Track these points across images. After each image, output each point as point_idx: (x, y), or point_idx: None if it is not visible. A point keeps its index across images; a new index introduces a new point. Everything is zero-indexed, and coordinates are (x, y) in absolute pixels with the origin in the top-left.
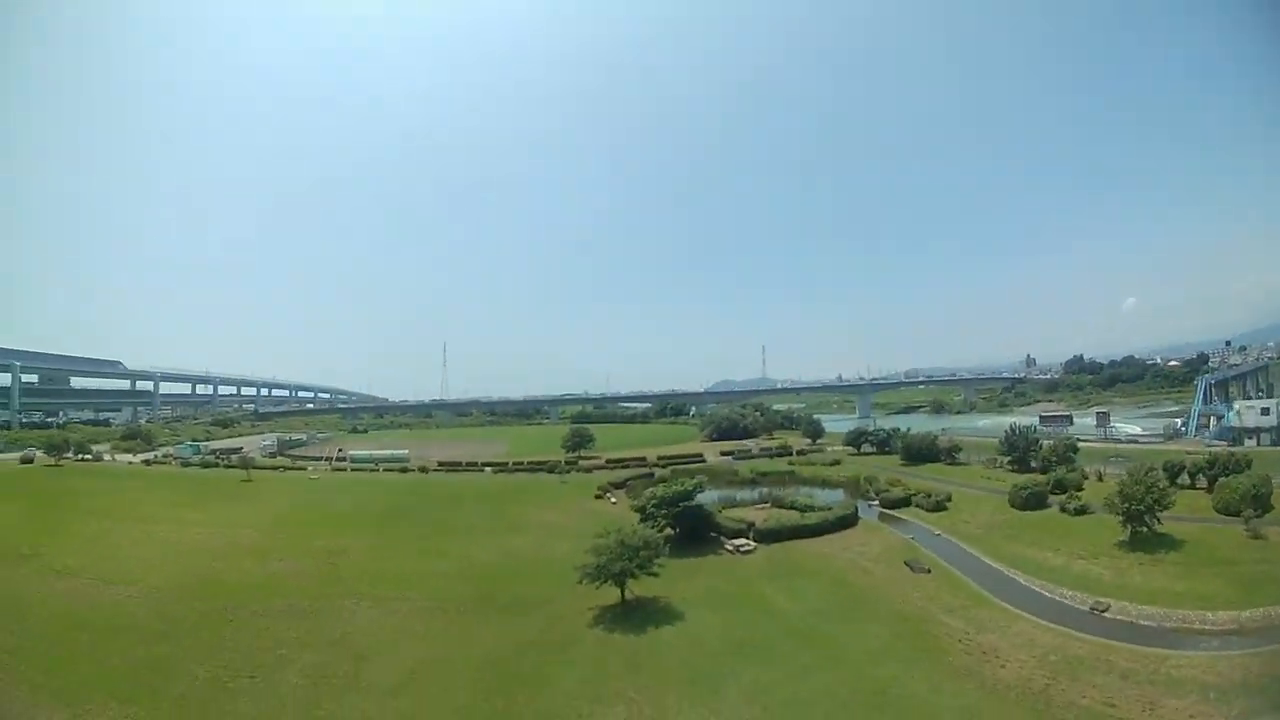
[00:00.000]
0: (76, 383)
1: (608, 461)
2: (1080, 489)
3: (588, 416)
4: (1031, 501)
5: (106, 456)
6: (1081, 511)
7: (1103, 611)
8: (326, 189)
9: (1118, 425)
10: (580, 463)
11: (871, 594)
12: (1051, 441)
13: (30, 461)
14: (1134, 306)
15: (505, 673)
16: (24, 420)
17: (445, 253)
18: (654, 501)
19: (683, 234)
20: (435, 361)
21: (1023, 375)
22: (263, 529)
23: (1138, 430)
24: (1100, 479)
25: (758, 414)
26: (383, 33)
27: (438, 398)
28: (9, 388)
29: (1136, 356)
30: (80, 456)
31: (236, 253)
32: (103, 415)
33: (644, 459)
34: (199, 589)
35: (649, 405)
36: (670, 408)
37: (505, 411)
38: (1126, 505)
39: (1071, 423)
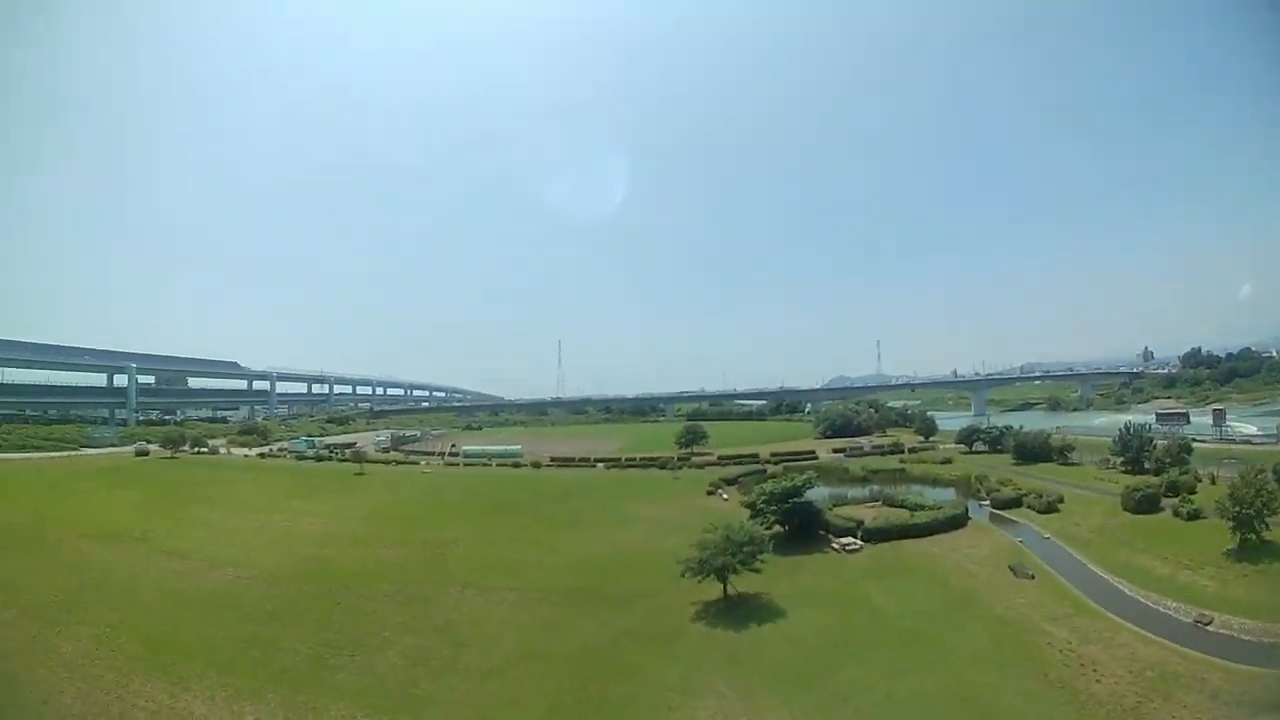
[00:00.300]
0: (194, 383)
1: (720, 458)
2: (1194, 492)
3: (703, 414)
4: (1144, 505)
5: (222, 450)
6: (1194, 516)
7: (1206, 624)
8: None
9: (1234, 425)
10: (693, 459)
11: (974, 597)
12: (1166, 442)
13: (145, 454)
14: (1250, 294)
15: (601, 662)
16: (140, 418)
17: (559, 254)
18: (764, 498)
19: (796, 230)
20: (550, 361)
21: (1140, 370)
22: (373, 520)
23: (1254, 430)
24: (1213, 482)
25: (872, 410)
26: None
27: (554, 396)
28: (126, 389)
29: (1254, 349)
30: (196, 450)
31: (349, 253)
32: (220, 414)
33: (756, 456)
34: (306, 574)
35: (764, 403)
36: (785, 405)
37: (621, 409)
38: (1236, 509)
39: (1188, 421)
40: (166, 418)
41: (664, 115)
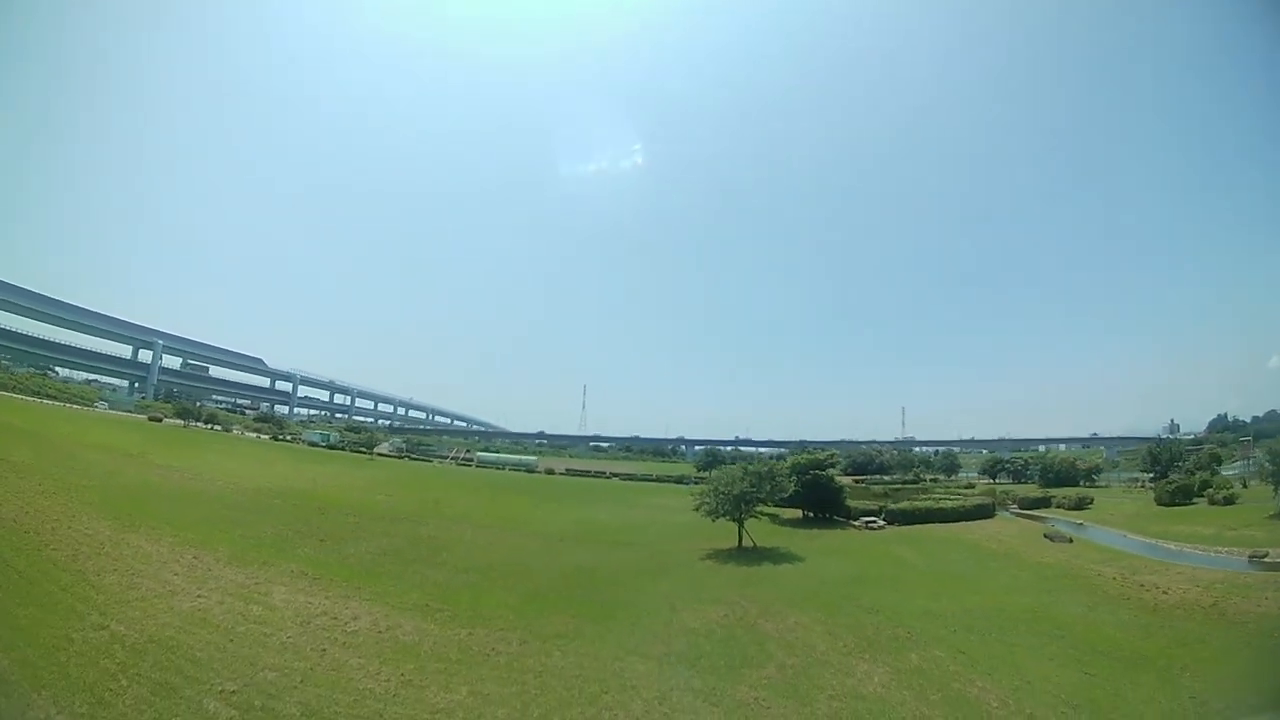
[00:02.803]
0: (216, 374)
1: None
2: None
3: (722, 456)
4: (1178, 496)
5: (236, 431)
6: (1230, 501)
7: (1262, 558)
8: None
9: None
10: (710, 480)
11: (1010, 555)
12: (1196, 454)
13: (157, 420)
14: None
15: (597, 578)
16: (158, 396)
17: (588, 301)
18: (784, 469)
19: (825, 297)
20: (575, 401)
21: (1166, 438)
22: (374, 481)
23: None
24: (1245, 485)
25: (894, 451)
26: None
27: (575, 433)
28: (150, 364)
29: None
30: (210, 426)
31: (379, 274)
32: (239, 406)
33: None
34: (297, 493)
35: (785, 450)
36: (807, 452)
37: (641, 448)
38: (1275, 469)
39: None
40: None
41: (688, 177)
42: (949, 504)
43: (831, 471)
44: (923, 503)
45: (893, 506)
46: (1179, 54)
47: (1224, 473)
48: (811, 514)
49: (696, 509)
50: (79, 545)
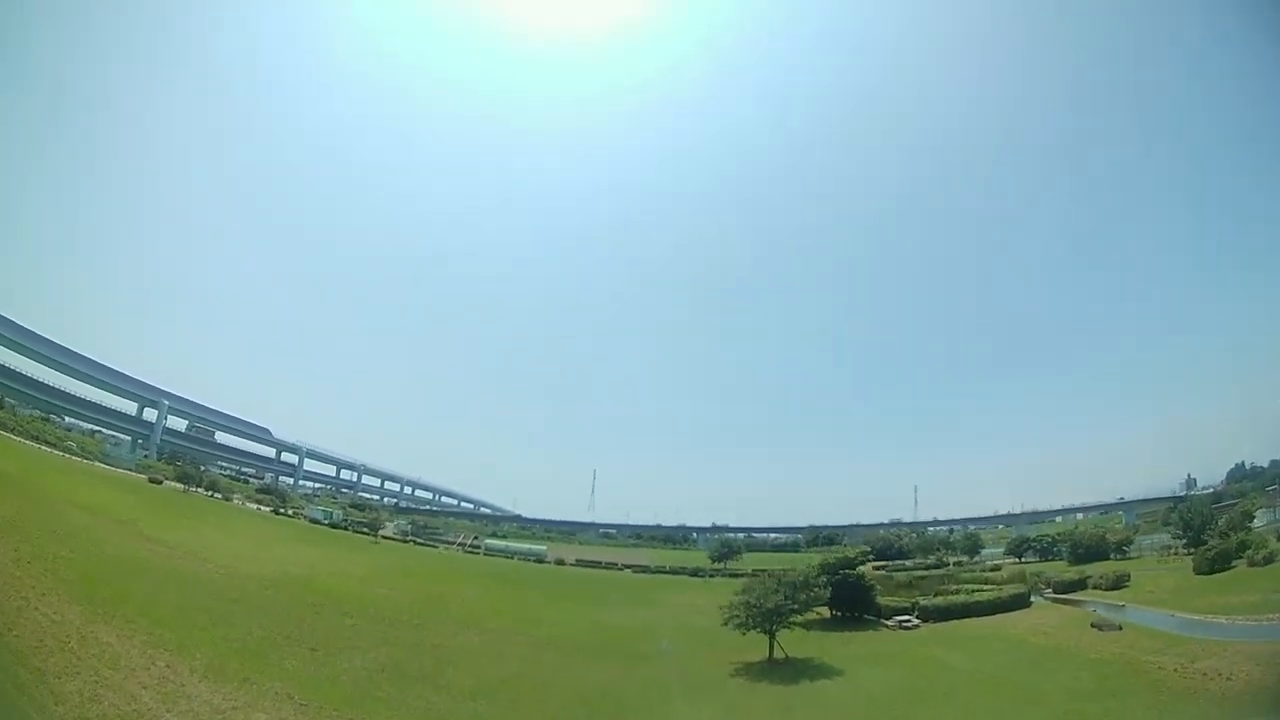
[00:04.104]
0: (221, 439)
1: (754, 572)
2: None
3: (735, 545)
4: (1218, 562)
5: (237, 500)
6: (1270, 560)
7: None
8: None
9: None
10: (725, 570)
11: (1060, 651)
12: (1228, 515)
13: (158, 483)
14: None
15: (620, 702)
16: (160, 457)
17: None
18: (813, 570)
19: (828, 376)
20: (581, 489)
21: (1184, 495)
22: (376, 569)
23: None
24: (1279, 539)
25: (913, 535)
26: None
27: (584, 519)
28: (154, 424)
29: None
30: (211, 494)
31: (391, 348)
32: (242, 474)
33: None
34: (289, 583)
35: (799, 536)
36: (822, 537)
37: (652, 536)
38: None
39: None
40: (187, 465)
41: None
42: (984, 596)
43: (862, 569)
44: (956, 597)
45: (925, 603)
46: (1177, 117)
47: (1252, 512)
48: (839, 613)
49: (725, 624)
50: (45, 634)
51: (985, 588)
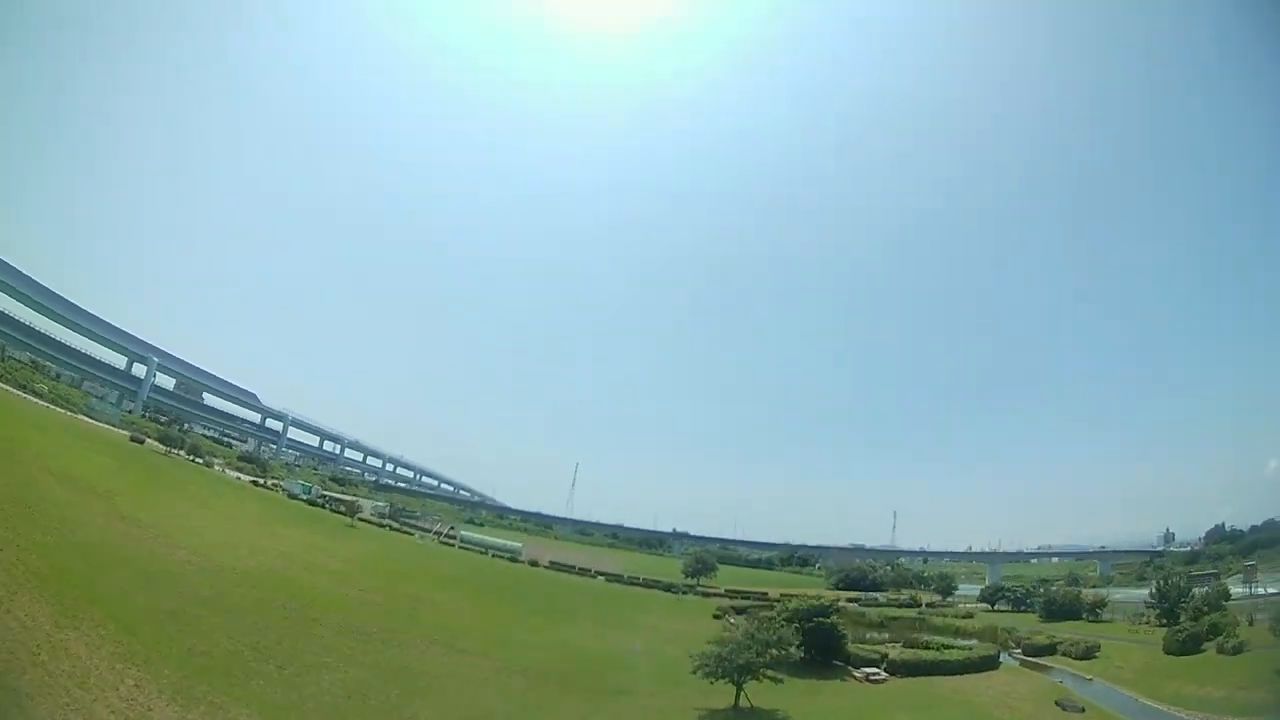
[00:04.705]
0: (210, 401)
1: (727, 591)
2: (1236, 633)
3: (708, 560)
4: (1188, 645)
5: (217, 467)
6: (1239, 650)
7: None
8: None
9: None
10: (699, 587)
11: None
12: (1205, 589)
13: (139, 442)
14: (1277, 468)
15: None
16: (145, 414)
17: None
18: (785, 614)
19: (817, 399)
20: (563, 480)
21: (1161, 550)
22: (351, 562)
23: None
24: (1251, 623)
25: (888, 568)
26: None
27: (564, 514)
28: (142, 380)
29: (1277, 520)
30: (192, 458)
31: (385, 326)
32: (226, 438)
33: (765, 594)
34: (261, 578)
35: (774, 553)
36: (796, 557)
37: (629, 538)
38: None
39: (1220, 579)
40: (171, 423)
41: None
42: (953, 655)
43: (834, 619)
44: (926, 653)
45: (894, 656)
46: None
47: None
48: (809, 655)
49: (694, 671)
50: (16, 643)
51: (956, 644)
